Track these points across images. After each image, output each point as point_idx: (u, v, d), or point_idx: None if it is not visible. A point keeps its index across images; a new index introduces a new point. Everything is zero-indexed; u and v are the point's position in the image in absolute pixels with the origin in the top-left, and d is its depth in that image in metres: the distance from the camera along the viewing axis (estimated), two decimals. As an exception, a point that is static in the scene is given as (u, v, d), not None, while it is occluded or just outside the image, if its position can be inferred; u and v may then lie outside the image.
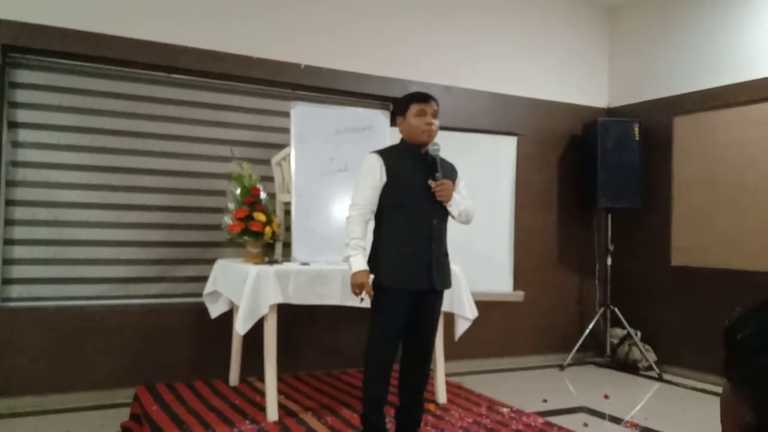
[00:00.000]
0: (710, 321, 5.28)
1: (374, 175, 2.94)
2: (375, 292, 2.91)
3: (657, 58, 5.94)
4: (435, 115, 3.00)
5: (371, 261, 2.94)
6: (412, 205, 2.94)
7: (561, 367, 5.70)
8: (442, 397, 3.96)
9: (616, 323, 5.87)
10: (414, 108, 2.98)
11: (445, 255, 3.06)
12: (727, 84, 5.28)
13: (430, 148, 3.00)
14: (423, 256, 2.93)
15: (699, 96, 5.51)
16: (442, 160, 3.03)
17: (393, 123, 4.00)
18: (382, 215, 2.98)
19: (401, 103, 3.06)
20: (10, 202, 4.21)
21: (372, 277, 2.92)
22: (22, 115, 4.26)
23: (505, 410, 3.79)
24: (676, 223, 5.69)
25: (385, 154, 3.00)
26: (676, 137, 5.73)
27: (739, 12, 5.26)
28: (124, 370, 4.33)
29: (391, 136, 3.82)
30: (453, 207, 3.00)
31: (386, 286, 2.90)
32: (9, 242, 4.21)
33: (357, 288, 2.88)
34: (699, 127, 5.54)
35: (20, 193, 4.24)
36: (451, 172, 3.07)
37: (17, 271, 4.23)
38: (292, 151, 3.97)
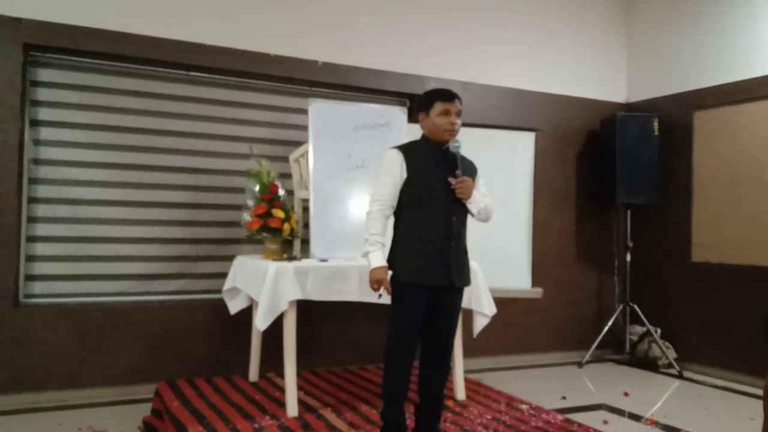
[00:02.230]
0: (731, 318, 5.24)
1: (395, 170, 2.93)
2: (394, 287, 2.91)
3: (676, 51, 5.87)
4: (459, 114, 2.99)
5: (390, 257, 2.94)
6: (432, 201, 2.93)
7: (580, 365, 5.67)
8: (461, 393, 3.95)
9: (636, 320, 5.83)
10: (438, 106, 2.96)
11: (465, 252, 3.05)
12: (748, 78, 5.21)
13: (451, 145, 2.98)
14: (442, 253, 2.92)
15: (719, 90, 5.44)
16: (463, 158, 3.01)
17: (411, 119, 4.00)
18: (402, 211, 2.97)
19: (425, 100, 3.04)
20: (32, 200, 4.26)
21: (391, 272, 2.92)
22: (43, 114, 4.30)
23: (524, 407, 3.78)
24: (696, 219, 5.63)
25: (406, 149, 2.99)
26: (696, 132, 5.66)
27: (759, 4, 5.19)
28: (145, 365, 4.37)
29: (409, 133, 3.82)
30: (472, 205, 2.99)
31: (405, 281, 2.90)
32: (31, 239, 4.26)
33: (375, 283, 2.88)
34: (719, 121, 5.48)
35: (42, 191, 4.29)
36: (471, 170, 3.06)
37: (39, 268, 4.28)
38: (310, 147, 3.98)
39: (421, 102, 3.07)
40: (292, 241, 4.14)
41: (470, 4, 5.56)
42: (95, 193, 4.41)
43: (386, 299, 3.00)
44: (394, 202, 2.96)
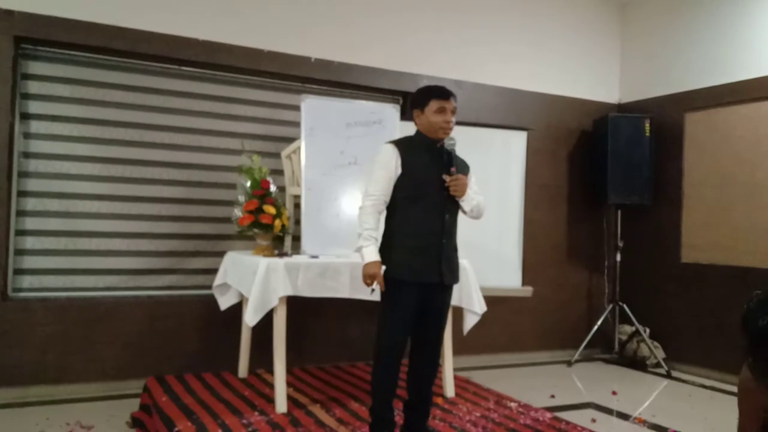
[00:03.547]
0: (720, 318, 5.27)
1: (389, 166, 2.92)
2: (385, 284, 2.90)
3: (669, 53, 5.90)
4: (454, 112, 2.97)
5: (382, 252, 2.92)
6: (425, 198, 2.92)
7: (569, 363, 5.69)
8: (450, 391, 3.96)
9: (625, 320, 5.86)
10: (434, 104, 2.94)
11: (455, 250, 3.05)
12: (740, 80, 5.24)
13: (446, 142, 2.97)
14: (434, 250, 2.92)
15: (711, 92, 5.48)
16: (456, 156, 3.01)
17: (404, 116, 4.00)
18: (395, 207, 2.96)
19: (420, 97, 3.02)
20: (21, 193, 4.24)
21: (383, 268, 2.91)
22: (34, 107, 4.28)
23: (513, 405, 3.79)
24: (687, 220, 5.66)
25: (401, 145, 2.98)
26: (687, 133, 5.70)
27: (752, 7, 5.22)
28: (134, 361, 4.36)
29: (402, 130, 3.82)
30: (465, 202, 2.99)
31: (396, 278, 2.89)
32: (20, 233, 4.24)
33: (368, 279, 2.87)
34: (711, 123, 5.51)
35: (32, 184, 4.27)
36: (463, 168, 3.05)
37: (28, 262, 4.26)
38: (303, 144, 3.97)
39: (416, 99, 3.05)
40: (283, 237, 4.14)
41: (465, 4, 5.56)
42: (85, 187, 4.39)
43: (377, 295, 3.00)
44: (388, 198, 2.95)
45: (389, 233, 2.99)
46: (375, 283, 2.88)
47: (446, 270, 2.96)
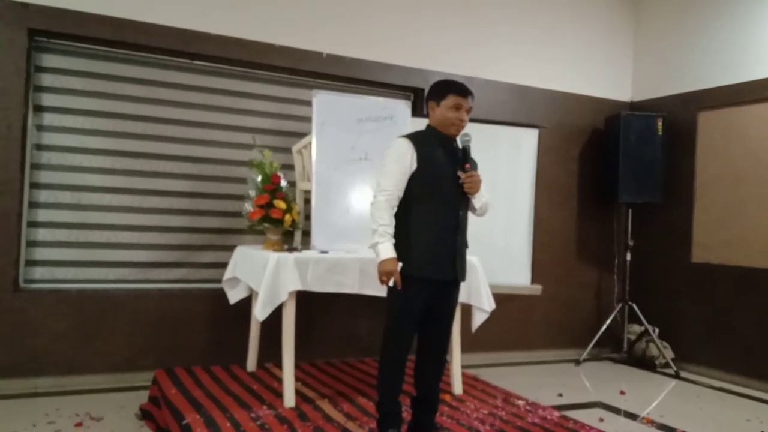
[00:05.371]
0: (729, 319, 5.25)
1: (404, 160, 2.88)
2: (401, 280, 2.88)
3: (682, 51, 5.86)
4: (469, 111, 2.95)
5: (397, 249, 2.86)
6: (440, 194, 2.90)
7: (577, 362, 5.68)
8: (458, 388, 3.96)
9: (634, 319, 5.84)
10: (451, 99, 2.92)
11: (466, 246, 3.04)
12: (755, 79, 5.20)
13: (461, 138, 2.95)
14: (449, 248, 2.91)
15: (725, 91, 5.43)
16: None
17: (415, 113, 4.00)
18: (410, 203, 2.91)
19: (439, 89, 2.99)
20: (34, 185, 4.27)
21: (400, 265, 2.86)
22: (47, 99, 4.30)
23: (520, 403, 3.78)
24: (698, 220, 5.63)
25: (416, 139, 2.93)
26: (700, 132, 5.66)
27: (766, 6, 5.17)
28: (144, 353, 4.38)
29: (413, 126, 3.80)
30: (476, 199, 2.98)
31: (412, 275, 2.86)
32: (32, 225, 4.26)
33: (385, 276, 2.83)
34: (724, 122, 5.47)
35: (44, 177, 4.29)
36: (473, 165, 3.04)
37: (40, 254, 4.29)
38: (313, 139, 3.97)
39: (434, 90, 3.02)
40: (293, 232, 4.14)
41: (477, 0, 5.54)
42: (97, 180, 4.42)
43: (382, 291, 2.99)
44: (401, 193, 2.90)
45: (403, 229, 2.93)
46: (392, 280, 2.85)
47: (459, 267, 2.96)
